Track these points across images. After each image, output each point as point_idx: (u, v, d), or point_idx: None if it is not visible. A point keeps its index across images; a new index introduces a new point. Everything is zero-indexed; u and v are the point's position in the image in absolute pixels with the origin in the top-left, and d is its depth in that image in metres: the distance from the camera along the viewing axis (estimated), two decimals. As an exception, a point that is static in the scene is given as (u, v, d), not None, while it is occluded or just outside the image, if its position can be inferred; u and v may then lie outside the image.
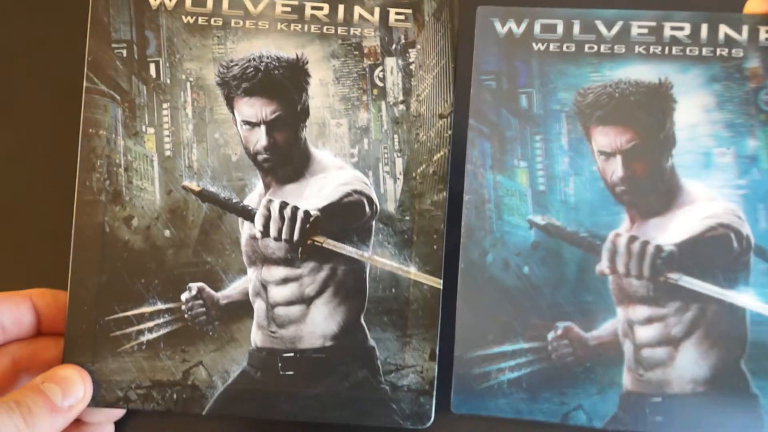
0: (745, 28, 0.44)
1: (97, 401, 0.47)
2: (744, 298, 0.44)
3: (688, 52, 0.45)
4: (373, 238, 0.47)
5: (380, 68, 0.48)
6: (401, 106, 0.48)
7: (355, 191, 0.47)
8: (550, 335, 0.45)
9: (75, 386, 0.45)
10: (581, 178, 0.45)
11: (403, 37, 0.48)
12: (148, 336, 0.47)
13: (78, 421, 0.49)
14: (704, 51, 0.44)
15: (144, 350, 0.47)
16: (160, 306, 0.47)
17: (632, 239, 0.44)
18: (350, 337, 0.47)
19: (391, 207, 0.47)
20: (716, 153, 0.44)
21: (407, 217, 0.47)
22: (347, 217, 0.47)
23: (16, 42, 0.52)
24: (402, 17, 0.48)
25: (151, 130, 0.48)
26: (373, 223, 0.47)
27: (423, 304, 0.47)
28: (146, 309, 0.47)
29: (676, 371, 0.44)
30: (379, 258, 0.47)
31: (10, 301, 0.47)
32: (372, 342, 0.47)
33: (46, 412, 0.43)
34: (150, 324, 0.47)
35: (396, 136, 0.48)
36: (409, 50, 0.48)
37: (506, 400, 0.45)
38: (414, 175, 0.47)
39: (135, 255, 0.47)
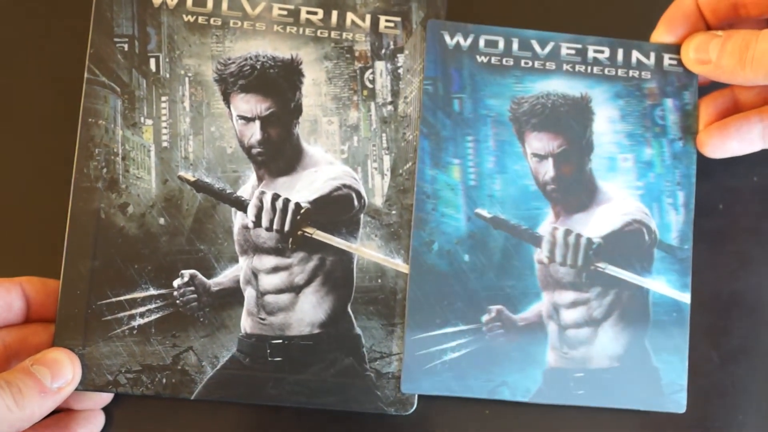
0: (652, 54, 0.50)
1: (86, 384, 0.47)
2: (655, 283, 0.49)
3: (606, 72, 0.50)
4: (361, 231, 0.49)
5: (370, 71, 0.50)
6: (389, 107, 0.50)
7: (345, 185, 0.50)
8: (484, 317, 0.48)
9: (64, 369, 0.46)
10: (506, 176, 0.50)
11: (392, 42, 0.51)
12: (140, 321, 0.48)
13: (68, 410, 0.49)
14: (619, 72, 0.50)
15: (135, 335, 0.48)
16: (153, 292, 0.48)
17: (568, 232, 0.49)
18: (337, 325, 0.49)
19: (378, 201, 0.50)
20: (620, 158, 0.50)
21: (394, 211, 0.49)
22: (336, 209, 0.49)
23: (20, 34, 0.53)
24: (392, 24, 0.51)
25: (149, 122, 0.49)
26: (361, 216, 0.49)
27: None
28: (138, 294, 0.48)
29: (596, 349, 0.49)
30: (367, 249, 0.49)
31: (1, 288, 0.48)
32: (358, 330, 0.49)
33: (35, 393, 0.44)
34: (142, 309, 0.48)
35: (384, 134, 0.50)
36: (398, 55, 0.51)
37: (441, 378, 0.48)
38: (400, 171, 0.50)
39: (129, 241, 0.48)
